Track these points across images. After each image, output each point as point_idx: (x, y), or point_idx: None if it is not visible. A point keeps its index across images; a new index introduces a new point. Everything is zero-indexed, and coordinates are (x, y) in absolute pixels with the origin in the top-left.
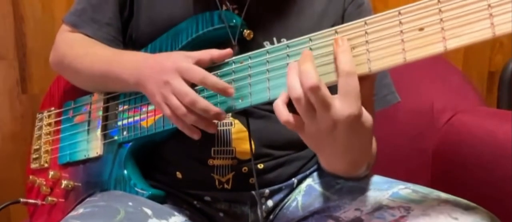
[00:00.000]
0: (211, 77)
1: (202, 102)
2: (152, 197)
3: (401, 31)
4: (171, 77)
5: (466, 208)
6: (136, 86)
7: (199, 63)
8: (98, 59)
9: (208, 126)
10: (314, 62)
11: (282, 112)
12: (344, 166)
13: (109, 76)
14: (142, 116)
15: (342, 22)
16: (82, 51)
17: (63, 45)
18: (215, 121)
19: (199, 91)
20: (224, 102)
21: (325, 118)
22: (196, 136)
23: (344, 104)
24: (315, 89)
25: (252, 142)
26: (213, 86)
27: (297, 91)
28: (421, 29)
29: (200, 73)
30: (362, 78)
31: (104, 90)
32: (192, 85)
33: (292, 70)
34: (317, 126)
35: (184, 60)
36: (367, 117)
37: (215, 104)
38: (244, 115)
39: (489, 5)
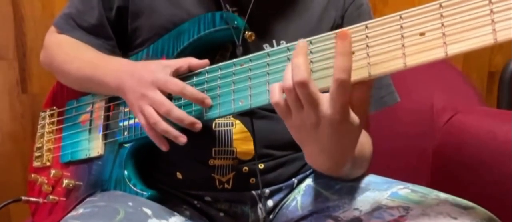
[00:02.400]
0: (189, 88)
1: (177, 111)
2: (152, 197)
3: (402, 36)
4: (148, 90)
5: (465, 208)
6: (117, 92)
7: (177, 71)
8: (84, 63)
9: (176, 137)
10: (307, 56)
11: (275, 93)
12: (325, 163)
13: (94, 81)
14: None
15: (342, 23)
16: (70, 54)
17: (53, 47)
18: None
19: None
20: (224, 104)
21: (310, 114)
22: (164, 148)
23: (330, 107)
24: (302, 84)
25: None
26: (191, 96)
27: (288, 82)
28: (422, 34)
29: (178, 85)
30: (361, 82)
31: (92, 92)
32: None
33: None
34: (301, 120)
35: (161, 71)
36: (353, 120)
37: (215, 106)
38: (249, 115)
39: (491, 11)
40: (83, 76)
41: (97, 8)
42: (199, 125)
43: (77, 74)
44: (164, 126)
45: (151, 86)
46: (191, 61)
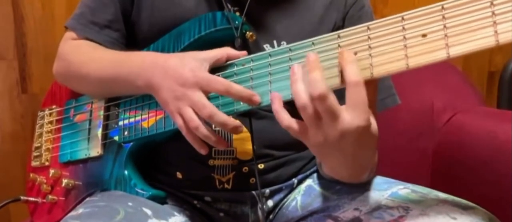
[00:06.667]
0: (236, 87)
1: (221, 115)
2: (152, 198)
3: (404, 37)
4: (190, 90)
5: (465, 208)
6: (147, 89)
7: (215, 64)
8: (106, 62)
9: (217, 143)
10: (322, 69)
11: (283, 117)
12: (348, 173)
13: (118, 79)
14: (143, 116)
15: (343, 25)
16: (88, 56)
17: (68, 53)
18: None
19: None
20: (226, 105)
21: (332, 128)
22: (203, 151)
23: (353, 116)
24: (323, 97)
25: None
26: (237, 95)
27: (303, 98)
28: (424, 35)
29: (224, 84)
30: (365, 83)
31: (113, 96)
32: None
33: (297, 76)
34: (323, 136)
35: (202, 69)
36: (374, 126)
37: (216, 107)
38: (247, 116)
39: (493, 13)
40: (106, 77)
41: (111, 4)
42: (241, 128)
43: (98, 76)
44: (206, 131)
45: (194, 87)
46: (229, 52)
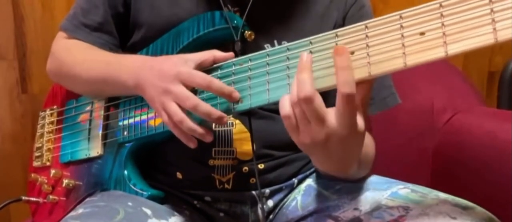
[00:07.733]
0: (217, 82)
1: (204, 105)
2: (152, 197)
3: (402, 35)
4: (171, 84)
5: (465, 208)
6: (136, 90)
7: (201, 65)
8: (97, 64)
9: (204, 135)
10: (312, 71)
11: (285, 106)
12: (333, 168)
13: (108, 80)
14: (142, 116)
15: (343, 24)
16: (80, 56)
17: (61, 52)
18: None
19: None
20: (224, 103)
21: (318, 130)
22: (192, 144)
23: (339, 123)
24: (307, 100)
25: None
26: (218, 90)
27: (294, 97)
28: (422, 33)
29: (205, 79)
30: (361, 82)
31: (104, 96)
32: (192, 91)
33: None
34: (310, 137)
35: (184, 65)
36: (361, 125)
37: (214, 106)
38: (247, 115)
39: (491, 10)
40: (96, 77)
41: (102, 6)
42: (226, 118)
43: (90, 76)
44: (191, 124)
45: (174, 80)
46: (216, 53)
